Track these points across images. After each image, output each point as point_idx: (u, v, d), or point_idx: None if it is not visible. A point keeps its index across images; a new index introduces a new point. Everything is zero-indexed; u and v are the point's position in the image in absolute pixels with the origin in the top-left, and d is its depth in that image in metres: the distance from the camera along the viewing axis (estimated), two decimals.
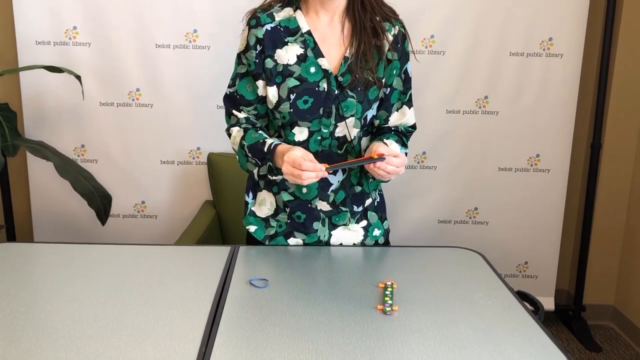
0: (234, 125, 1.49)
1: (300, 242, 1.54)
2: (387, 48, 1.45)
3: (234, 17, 1.75)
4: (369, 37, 1.42)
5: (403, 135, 1.54)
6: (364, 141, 1.52)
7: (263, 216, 1.56)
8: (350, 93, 1.43)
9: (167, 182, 2.60)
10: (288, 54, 1.42)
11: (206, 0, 2.44)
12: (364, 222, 1.57)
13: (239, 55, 1.47)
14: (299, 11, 1.44)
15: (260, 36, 1.42)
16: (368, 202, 1.57)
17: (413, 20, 2.13)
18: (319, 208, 1.51)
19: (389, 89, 1.49)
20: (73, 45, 2.45)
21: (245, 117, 1.49)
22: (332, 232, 1.54)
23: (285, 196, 1.52)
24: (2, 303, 1.18)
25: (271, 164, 1.41)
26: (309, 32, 1.43)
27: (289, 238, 1.54)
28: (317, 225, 1.52)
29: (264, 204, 1.55)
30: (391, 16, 1.46)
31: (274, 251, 1.51)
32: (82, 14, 2.42)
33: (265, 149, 1.40)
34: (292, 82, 1.42)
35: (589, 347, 2.65)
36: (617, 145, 2.69)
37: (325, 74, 1.42)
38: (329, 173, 1.38)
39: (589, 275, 2.78)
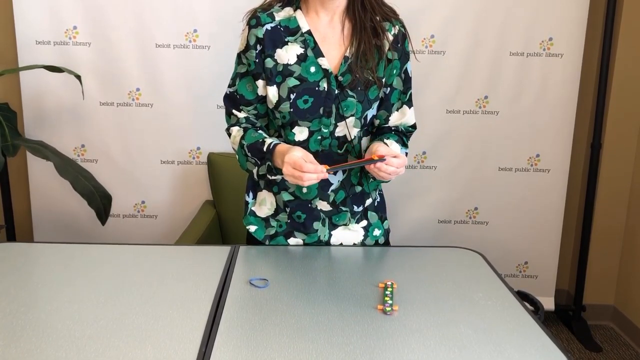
0: (233, 125, 1.49)
1: (301, 242, 1.54)
2: (387, 48, 1.45)
3: (234, 17, 1.75)
4: (369, 37, 1.42)
5: (403, 135, 1.54)
6: (364, 141, 1.52)
7: (263, 216, 1.56)
8: (350, 93, 1.43)
9: (167, 182, 2.60)
10: (288, 54, 1.42)
11: (206, 0, 2.44)
12: (364, 222, 1.57)
13: (239, 55, 1.47)
14: (299, 11, 1.44)
15: (261, 36, 1.42)
16: (368, 202, 1.57)
17: (413, 20, 2.13)
18: (319, 208, 1.51)
19: (389, 88, 1.49)
20: (73, 45, 2.45)
21: (245, 117, 1.49)
22: (332, 232, 1.54)
23: (286, 196, 1.51)
24: (2, 303, 1.18)
25: (270, 164, 1.41)
26: (309, 32, 1.43)
27: (289, 238, 1.54)
28: (317, 225, 1.52)
29: (264, 204, 1.55)
30: (391, 16, 1.46)
31: (274, 251, 1.51)
32: (82, 14, 2.42)
33: (265, 149, 1.40)
34: (292, 81, 1.42)
35: (589, 347, 2.65)
36: (617, 145, 2.69)
37: (326, 73, 1.42)
38: (329, 174, 1.38)
39: (589, 275, 2.78)
